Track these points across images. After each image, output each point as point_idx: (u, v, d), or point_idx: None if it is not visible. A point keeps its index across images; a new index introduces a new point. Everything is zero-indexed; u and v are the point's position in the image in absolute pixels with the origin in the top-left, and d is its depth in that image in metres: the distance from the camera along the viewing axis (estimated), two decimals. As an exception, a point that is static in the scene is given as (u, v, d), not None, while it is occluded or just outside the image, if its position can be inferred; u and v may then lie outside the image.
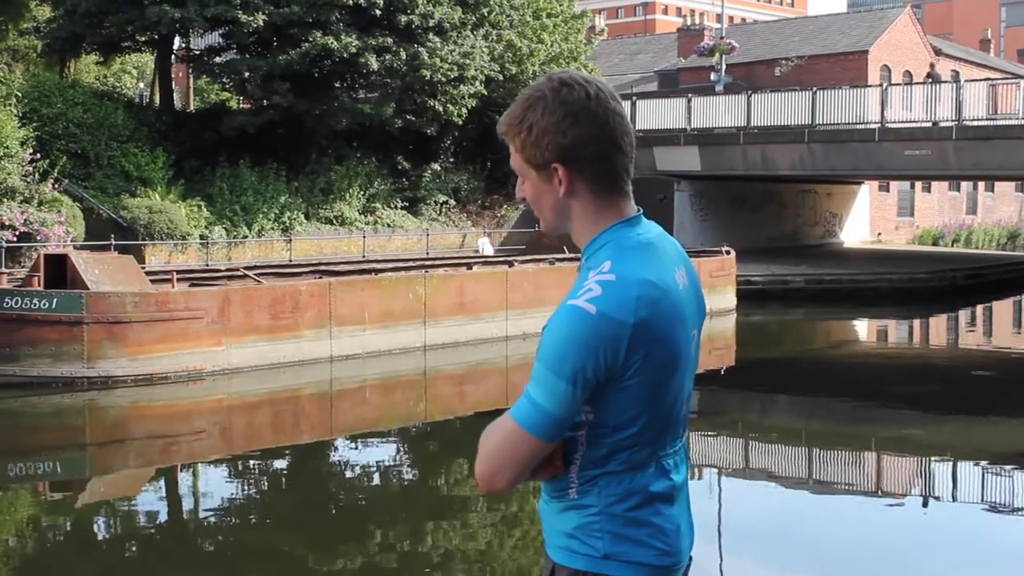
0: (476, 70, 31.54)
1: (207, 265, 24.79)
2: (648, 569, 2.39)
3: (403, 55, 29.73)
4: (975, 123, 31.25)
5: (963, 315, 30.88)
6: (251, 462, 13.29)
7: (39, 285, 16.01)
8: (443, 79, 30.51)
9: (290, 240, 28.80)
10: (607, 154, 2.40)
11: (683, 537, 2.45)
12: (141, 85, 45.40)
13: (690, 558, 2.50)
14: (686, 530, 2.48)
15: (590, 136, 2.37)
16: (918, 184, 49.78)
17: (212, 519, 10.75)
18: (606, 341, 2.24)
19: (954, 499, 11.88)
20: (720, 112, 35.30)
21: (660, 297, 2.31)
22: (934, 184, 50.93)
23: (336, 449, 14.23)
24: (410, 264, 23.94)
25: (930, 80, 36.93)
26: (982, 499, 11.89)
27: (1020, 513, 11.24)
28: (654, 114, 37.30)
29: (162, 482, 12.63)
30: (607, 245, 2.39)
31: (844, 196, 44.44)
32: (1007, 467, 12.96)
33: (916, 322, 29.07)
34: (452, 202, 34.73)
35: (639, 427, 2.35)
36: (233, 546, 9.92)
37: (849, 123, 32.72)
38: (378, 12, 29.57)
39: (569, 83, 2.42)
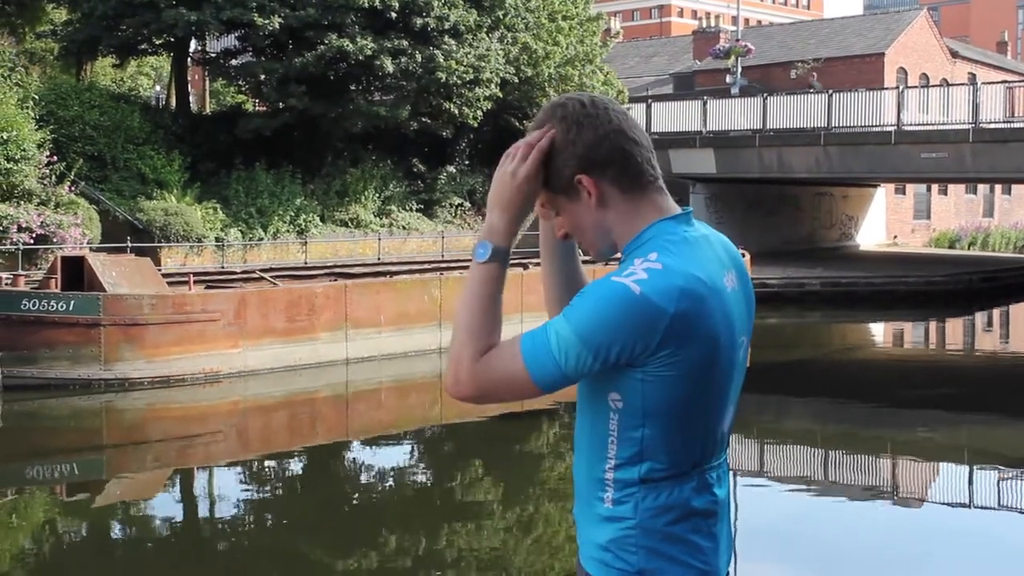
0: (491, 72, 31.52)
1: (223, 267, 24.85)
2: None
3: (418, 58, 29.75)
4: (992, 126, 31.16)
5: (979, 318, 30.77)
6: (267, 464, 13.32)
7: (56, 287, 16.08)
8: (458, 82, 30.51)
9: (305, 242, 28.83)
10: (622, 147, 2.35)
11: (721, 555, 2.39)
12: (157, 88, 45.53)
13: (728, 574, 2.45)
14: (724, 547, 2.41)
15: (598, 136, 2.33)
16: (934, 187, 49.64)
17: (228, 521, 10.77)
18: (641, 325, 2.19)
19: (970, 502, 11.84)
20: (736, 115, 35.27)
21: (705, 294, 2.25)
22: (950, 187, 50.77)
23: (352, 451, 14.25)
24: (425, 266, 23.97)
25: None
26: (998, 502, 11.85)
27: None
28: (669, 117, 37.28)
29: (178, 484, 12.67)
30: (652, 240, 2.33)
31: (860, 199, 44.34)
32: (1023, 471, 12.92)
33: (932, 325, 28.99)
34: (467, 204, 34.74)
35: (673, 428, 2.28)
36: (249, 548, 9.95)
37: (865, 126, 32.65)
38: (393, 15, 29.59)
39: (561, 102, 2.38)
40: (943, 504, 11.82)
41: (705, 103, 35.94)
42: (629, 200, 2.37)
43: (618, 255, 2.45)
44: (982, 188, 53.97)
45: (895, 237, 46.90)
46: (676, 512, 2.30)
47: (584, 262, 2.74)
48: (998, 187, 55.00)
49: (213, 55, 34.35)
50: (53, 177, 24.07)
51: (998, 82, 35.77)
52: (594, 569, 2.36)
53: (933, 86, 43.43)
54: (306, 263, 26.81)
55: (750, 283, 2.47)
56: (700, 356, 2.24)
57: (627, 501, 2.31)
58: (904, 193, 48.25)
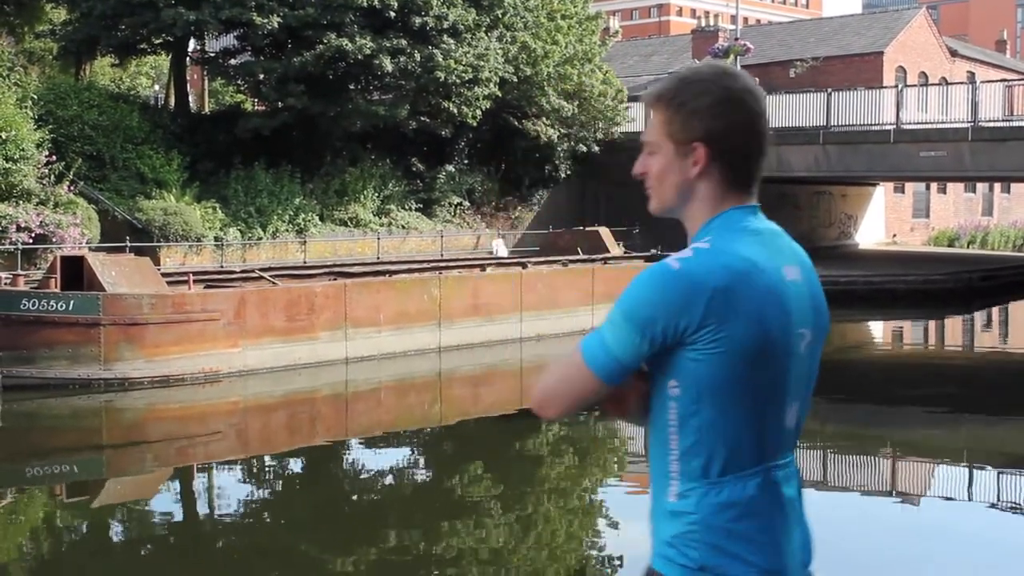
0: (490, 72, 31.51)
1: (222, 267, 24.84)
2: None
3: (417, 57, 29.73)
4: (991, 124, 31.16)
5: (979, 316, 30.78)
6: (267, 464, 13.32)
7: (56, 287, 16.07)
8: (457, 81, 30.49)
9: (304, 242, 28.83)
10: (748, 149, 2.41)
11: (791, 555, 2.37)
12: (156, 87, 45.54)
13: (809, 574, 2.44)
14: (798, 547, 2.40)
15: (740, 127, 2.39)
16: (933, 185, 49.63)
17: (228, 520, 10.77)
18: (682, 299, 2.24)
19: (970, 500, 11.84)
20: (735, 113, 35.21)
21: (754, 274, 2.28)
22: (949, 185, 50.76)
23: (351, 451, 14.25)
24: (424, 266, 23.96)
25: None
26: (998, 501, 11.86)
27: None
28: (668, 115, 37.19)
29: (178, 484, 12.67)
30: (716, 227, 2.38)
31: (859, 197, 44.35)
32: (1023, 469, 12.92)
33: (932, 323, 29.00)
34: (466, 204, 34.72)
35: (727, 413, 2.29)
36: (249, 547, 9.95)
37: (864, 124, 32.65)
38: (392, 14, 29.57)
39: (733, 73, 2.43)
40: (942, 503, 11.82)
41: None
42: (723, 188, 2.41)
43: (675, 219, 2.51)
44: (981, 187, 53.97)
45: (894, 236, 46.90)
46: (739, 509, 2.31)
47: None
48: (997, 185, 55.00)
49: (212, 54, 34.32)
50: (52, 177, 24.06)
51: (997, 81, 35.79)
52: (660, 565, 2.39)
53: (932, 85, 43.43)
54: (305, 262, 26.80)
55: (818, 283, 2.47)
56: (748, 335, 2.26)
57: (690, 495, 2.33)
58: (903, 192, 48.24)
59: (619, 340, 2.28)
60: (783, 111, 33.85)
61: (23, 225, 22.35)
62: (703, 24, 60.88)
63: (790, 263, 2.37)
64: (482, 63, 31.05)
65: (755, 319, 2.26)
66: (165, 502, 11.88)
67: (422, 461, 13.85)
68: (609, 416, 2.57)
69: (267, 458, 13.69)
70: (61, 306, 15.63)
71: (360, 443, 14.71)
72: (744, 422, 2.30)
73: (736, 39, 43.75)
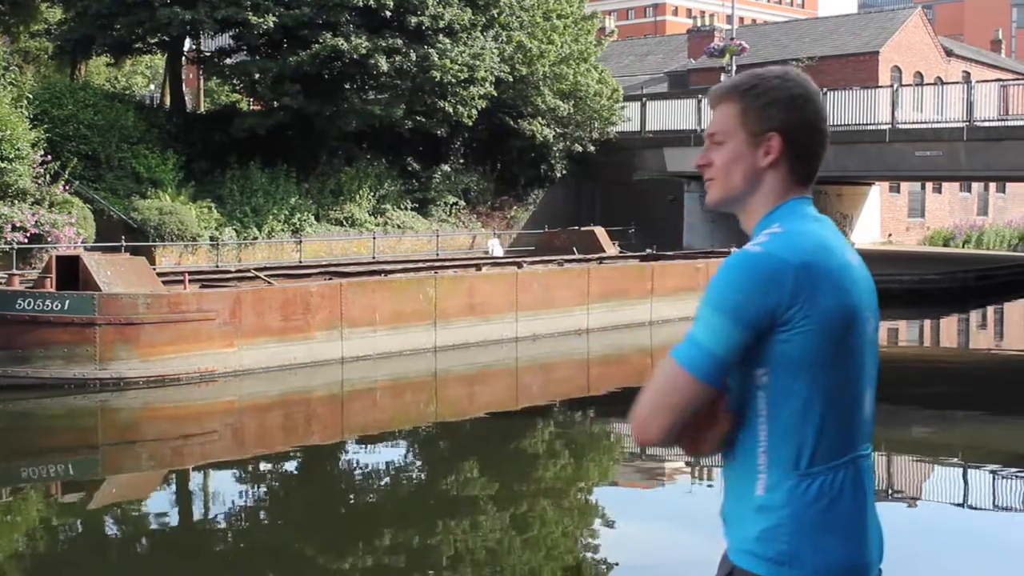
0: (486, 71, 31.52)
1: (217, 266, 24.84)
2: None
3: (413, 56, 29.74)
4: (986, 124, 31.20)
5: (974, 316, 30.82)
6: (262, 464, 13.32)
7: (51, 286, 16.05)
8: (453, 80, 30.50)
9: (300, 241, 28.84)
10: (815, 146, 2.49)
11: (873, 547, 2.41)
12: (152, 87, 45.53)
13: (880, 571, 2.47)
14: (876, 540, 2.43)
15: (811, 123, 2.46)
16: (929, 185, 49.66)
17: (223, 521, 10.77)
18: (770, 279, 2.27)
19: (965, 501, 11.86)
20: (731, 113, 35.23)
21: (828, 252, 2.35)
22: (945, 185, 50.81)
23: (347, 451, 14.25)
24: (420, 265, 23.95)
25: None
26: (993, 501, 11.87)
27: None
28: (664, 115, 37.34)
29: (174, 484, 12.66)
30: (781, 216, 2.44)
31: (854, 197, 44.37)
32: (1019, 470, 12.93)
33: (927, 323, 29.03)
34: (462, 203, 34.74)
35: (815, 391, 2.30)
36: (244, 547, 9.95)
37: (860, 124, 32.68)
38: (388, 13, 29.58)
39: (799, 75, 2.50)
40: (937, 503, 11.83)
41: (700, 101, 35.95)
42: (789, 181, 2.48)
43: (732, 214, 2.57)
44: (976, 186, 54.01)
45: (889, 235, 46.93)
46: (828, 500, 2.31)
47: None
48: (992, 185, 55.05)
49: (208, 54, 34.33)
50: (47, 176, 24.05)
51: (992, 80, 35.85)
52: (745, 561, 2.36)
53: (927, 84, 43.48)
54: (301, 262, 26.80)
55: (869, 272, 2.52)
56: (834, 309, 2.30)
57: (779, 488, 2.32)
58: (898, 191, 48.28)
59: (712, 334, 2.29)
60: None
61: (18, 225, 22.34)
62: (699, 24, 60.99)
63: (851, 249, 2.44)
64: (478, 63, 31.06)
65: (837, 294, 2.31)
66: (160, 502, 11.88)
67: (418, 461, 13.85)
68: (687, 453, 2.54)
69: (263, 458, 13.68)
70: (56, 306, 15.61)
71: (356, 443, 14.70)
72: (832, 406, 2.32)
73: (732, 39, 43.84)
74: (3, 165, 22.83)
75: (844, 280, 2.33)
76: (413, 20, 29.81)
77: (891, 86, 35.08)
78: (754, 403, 2.34)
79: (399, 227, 32.05)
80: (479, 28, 32.08)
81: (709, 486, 11.66)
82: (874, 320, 2.44)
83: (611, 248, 27.34)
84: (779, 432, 2.32)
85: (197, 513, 11.36)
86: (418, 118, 32.00)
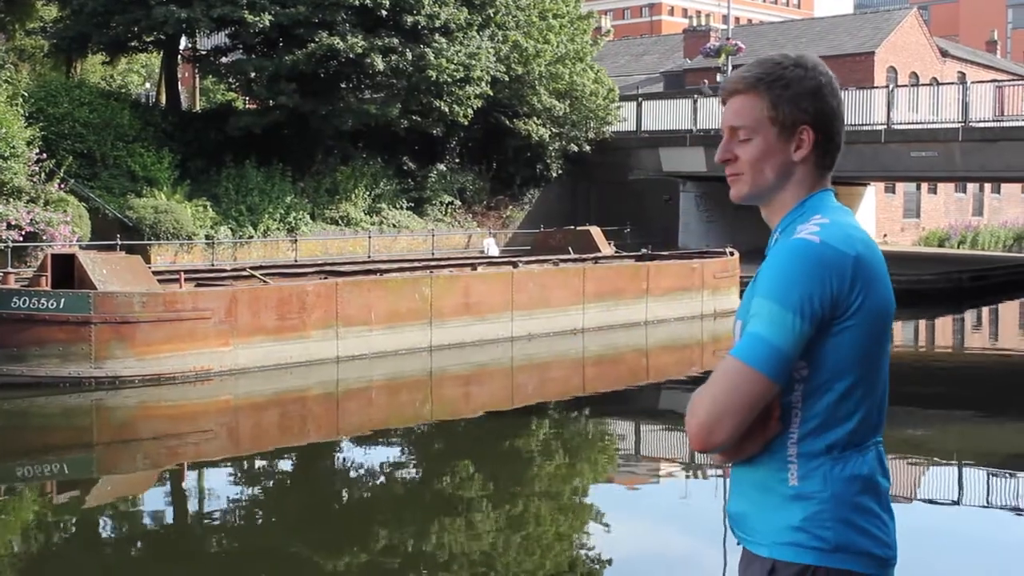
0: (482, 71, 31.52)
1: (213, 265, 24.82)
2: (877, 561, 2.32)
3: (409, 56, 29.74)
4: (981, 124, 31.24)
5: (969, 317, 30.85)
6: (258, 463, 13.31)
7: (46, 285, 16.03)
8: (449, 80, 30.50)
9: (295, 240, 28.84)
10: (839, 135, 2.51)
11: (894, 532, 2.40)
12: (147, 85, 45.48)
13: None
14: (893, 526, 2.41)
15: (836, 112, 2.48)
16: (924, 185, 49.74)
17: (219, 520, 10.77)
18: (832, 268, 2.25)
19: (959, 501, 11.87)
20: (726, 113, 35.25)
21: (871, 247, 2.37)
22: (940, 186, 50.89)
23: (342, 450, 14.25)
24: (416, 265, 23.95)
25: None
26: (987, 501, 11.89)
27: (1026, 515, 11.24)
28: (660, 115, 37.35)
29: (169, 483, 12.65)
30: (813, 207, 2.43)
31: (850, 197, 44.36)
32: (1013, 470, 12.95)
33: (922, 323, 29.04)
34: (457, 203, 34.75)
35: (852, 383, 2.29)
36: (240, 547, 9.94)
37: (855, 124, 32.69)
38: (384, 13, 29.57)
39: (818, 62, 2.51)
40: (932, 503, 11.84)
41: (695, 101, 35.97)
42: (817, 172, 2.50)
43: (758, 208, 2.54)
44: (971, 187, 54.10)
45: (885, 236, 46.98)
46: (862, 483, 2.31)
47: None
48: (987, 186, 55.14)
49: (203, 52, 34.33)
50: (43, 174, 24.04)
51: (987, 81, 35.88)
52: (785, 553, 2.30)
53: (923, 85, 43.51)
54: (296, 261, 26.80)
55: None
56: (880, 305, 2.33)
57: (814, 474, 2.29)
58: (894, 192, 48.34)
59: (777, 328, 2.23)
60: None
61: (13, 223, 22.33)
62: (695, 24, 61.00)
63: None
64: (473, 62, 31.06)
65: (882, 289, 2.35)
66: (155, 501, 11.87)
67: (413, 460, 13.86)
68: (726, 459, 2.47)
69: (258, 457, 13.68)
70: (52, 304, 15.60)
71: (351, 442, 14.70)
72: (864, 397, 2.32)
73: (728, 39, 43.87)
74: (-2, 163, 22.82)
75: (885, 276, 2.38)
76: (409, 19, 29.80)
77: (887, 86, 35.12)
78: (788, 396, 2.30)
79: (395, 226, 32.05)
80: (475, 27, 32.08)
81: (703, 484, 11.68)
82: (893, 312, 2.47)
83: (607, 248, 27.34)
84: (812, 424, 2.30)
85: (192, 512, 11.35)
86: (414, 117, 32.00)
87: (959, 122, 31.22)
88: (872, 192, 45.66)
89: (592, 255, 25.99)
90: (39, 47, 34.63)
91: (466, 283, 20.88)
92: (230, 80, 33.14)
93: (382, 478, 12.60)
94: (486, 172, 36.12)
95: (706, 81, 45.39)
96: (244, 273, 20.09)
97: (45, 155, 24.36)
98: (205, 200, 27.79)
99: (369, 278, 20.21)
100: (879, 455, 2.38)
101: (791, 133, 2.43)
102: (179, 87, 36.33)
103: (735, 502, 2.41)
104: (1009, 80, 40.61)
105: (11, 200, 23.02)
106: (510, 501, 11.34)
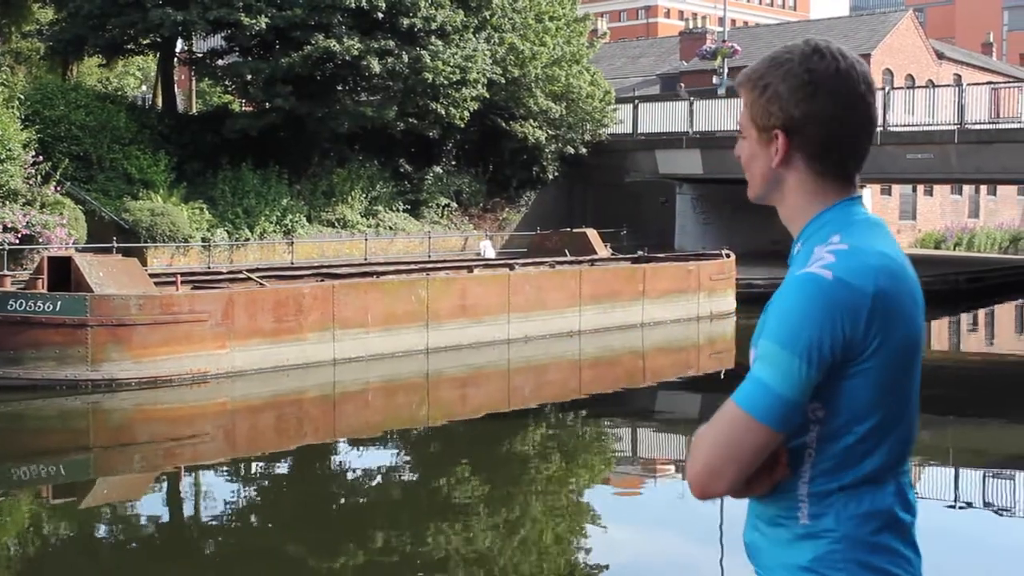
0: (478, 73, 31.53)
1: (209, 268, 24.82)
2: None
3: (405, 58, 29.75)
4: (977, 126, 31.29)
5: (965, 319, 30.88)
6: (254, 465, 13.31)
7: (43, 287, 16.03)
8: (445, 82, 30.51)
9: (292, 243, 28.83)
10: (835, 135, 2.19)
11: (920, 566, 2.22)
12: (144, 88, 45.46)
13: None
14: (919, 563, 2.22)
15: (822, 115, 2.17)
16: (920, 187, 49.81)
17: (215, 522, 10.77)
18: (845, 310, 2.04)
19: (955, 502, 11.89)
20: (722, 115, 35.35)
21: (898, 271, 2.12)
22: (936, 187, 50.95)
23: (339, 452, 14.25)
24: (412, 267, 23.96)
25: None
26: (983, 502, 11.90)
27: (1021, 516, 11.26)
28: (656, 117, 37.38)
29: (166, 485, 12.65)
30: (832, 221, 2.20)
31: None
32: (1009, 471, 12.97)
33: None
34: (454, 205, 34.76)
35: (873, 424, 2.11)
36: (236, 549, 9.94)
37: (851, 126, 32.69)
38: (380, 15, 29.57)
39: (822, 51, 2.19)
40: (928, 504, 11.85)
41: (692, 104, 36.00)
42: (814, 177, 2.25)
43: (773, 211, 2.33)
44: (967, 189, 54.17)
45: (881, 238, 47.02)
46: (879, 520, 2.14)
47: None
48: (983, 188, 55.22)
49: (200, 55, 34.31)
50: (39, 177, 24.02)
51: (983, 83, 35.95)
52: None
53: (919, 87, 43.58)
54: (292, 263, 26.79)
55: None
56: (905, 338, 2.11)
57: (826, 512, 2.14)
58: (890, 194, 48.41)
59: (780, 374, 2.04)
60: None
61: (9, 225, 22.31)
62: (691, 26, 61.00)
63: (904, 255, 2.18)
64: (470, 64, 31.07)
65: (908, 320, 2.12)
66: (152, 504, 11.87)
67: (409, 462, 13.86)
68: (734, 496, 2.41)
69: (254, 459, 13.68)
70: (48, 307, 15.59)
71: (347, 444, 14.70)
72: (887, 435, 2.13)
73: (724, 41, 43.92)
74: (-6, 166, 22.81)
75: (912, 301, 2.14)
76: (405, 22, 29.80)
77: (882, 88, 35.15)
78: (802, 437, 2.14)
79: (391, 229, 32.05)
80: (471, 30, 32.08)
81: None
82: (923, 328, 2.25)
83: (603, 250, 27.36)
84: (826, 465, 2.14)
85: (188, 515, 11.35)
86: (410, 120, 32.01)
87: (955, 124, 31.26)
88: (868, 194, 45.70)
89: (588, 257, 26.00)
90: (35, 50, 34.60)
91: (462, 285, 20.89)
92: (226, 83, 33.11)
93: (379, 480, 12.61)
94: (482, 174, 36.13)
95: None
96: (240, 275, 20.09)
97: (41, 158, 24.35)
98: (201, 202, 27.79)
99: (365, 280, 20.22)
100: (899, 487, 2.17)
101: (769, 137, 2.23)
102: (175, 90, 36.32)
103: (749, 532, 2.31)
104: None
105: (7, 203, 23.01)
106: (506, 503, 11.34)
